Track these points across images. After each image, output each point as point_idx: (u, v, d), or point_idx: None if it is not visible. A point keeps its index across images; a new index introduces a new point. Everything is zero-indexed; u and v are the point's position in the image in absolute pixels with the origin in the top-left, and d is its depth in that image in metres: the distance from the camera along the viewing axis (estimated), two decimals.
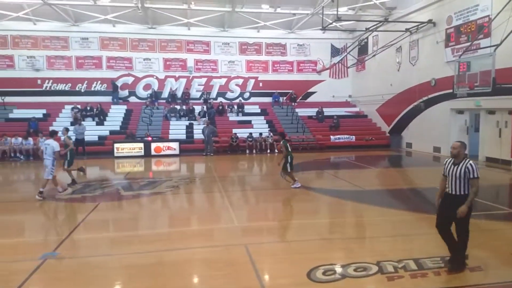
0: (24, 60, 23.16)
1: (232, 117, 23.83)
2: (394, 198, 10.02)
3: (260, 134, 20.67)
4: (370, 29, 20.90)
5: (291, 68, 26.58)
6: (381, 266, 5.06)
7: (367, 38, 23.28)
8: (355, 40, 24.50)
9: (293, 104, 25.58)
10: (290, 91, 25.91)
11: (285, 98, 25.87)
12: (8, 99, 22.06)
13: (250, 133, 20.60)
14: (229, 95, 25.87)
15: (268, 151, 20.10)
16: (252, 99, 25.96)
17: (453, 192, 4.88)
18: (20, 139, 18.01)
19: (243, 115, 23.97)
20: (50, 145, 9.58)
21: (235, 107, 24.38)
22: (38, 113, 21.48)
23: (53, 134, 10.22)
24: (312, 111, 24.56)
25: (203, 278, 5.08)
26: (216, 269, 5.18)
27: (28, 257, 5.54)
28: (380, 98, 22.80)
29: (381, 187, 11.83)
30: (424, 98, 18.94)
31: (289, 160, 10.51)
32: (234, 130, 21.22)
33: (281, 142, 10.84)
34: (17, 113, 21.63)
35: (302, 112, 24.69)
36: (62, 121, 21.14)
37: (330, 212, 8.73)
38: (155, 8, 21.19)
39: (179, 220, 8.02)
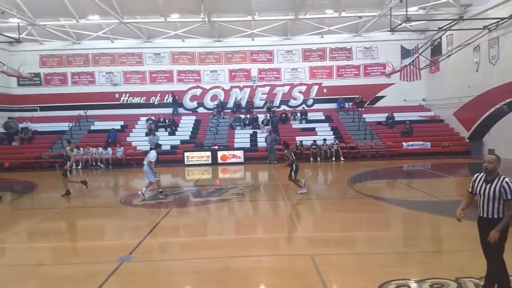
0: (104, 76, 25.35)
1: (296, 125, 23.69)
2: (475, 209, 9.11)
3: (324, 140, 20.24)
4: (444, 28, 19.51)
5: (358, 72, 25.79)
6: (461, 283, 4.63)
7: (440, 37, 21.78)
8: (427, 40, 23.05)
9: (360, 109, 24.72)
10: (357, 96, 25.10)
11: (351, 103, 25.13)
12: (90, 112, 24.20)
13: (314, 141, 20.26)
14: (292, 102, 25.80)
15: (333, 158, 19.57)
16: (316, 106, 25.59)
17: (485, 215, 4.13)
18: (100, 149, 19.64)
19: (306, 122, 23.70)
20: (148, 154, 10.77)
21: (298, 114, 24.22)
22: (117, 124, 23.27)
23: (157, 147, 11.38)
24: (381, 117, 23.52)
25: (269, 287, 5.02)
26: (282, 279, 5.09)
27: (106, 259, 5.93)
28: (458, 101, 21.09)
29: (460, 198, 10.82)
30: (508, 100, 17.17)
31: (294, 168, 10.78)
32: (298, 138, 21.03)
33: (286, 151, 11.38)
34: (98, 125, 23.65)
35: (370, 117, 23.75)
36: (138, 132, 22.76)
37: (403, 224, 8.20)
38: (221, 21, 21.95)
39: (245, 227, 8.08)
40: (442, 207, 9.17)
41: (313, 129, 22.73)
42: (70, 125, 22.91)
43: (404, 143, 20.71)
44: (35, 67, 24.50)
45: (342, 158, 19.44)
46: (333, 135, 21.68)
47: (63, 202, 11.11)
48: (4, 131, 22.05)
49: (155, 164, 10.71)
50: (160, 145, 12.11)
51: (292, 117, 24.15)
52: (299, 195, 10.58)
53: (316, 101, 25.73)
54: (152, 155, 10.63)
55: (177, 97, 25.01)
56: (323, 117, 24.32)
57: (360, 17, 21.90)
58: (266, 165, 18.64)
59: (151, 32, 23.97)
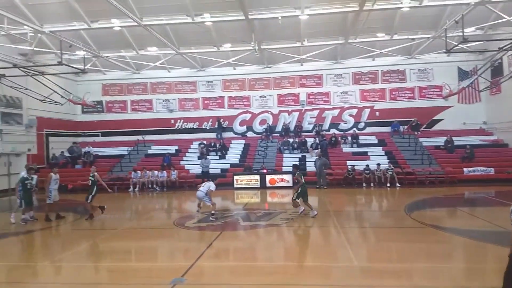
0: (160, 103, 26.78)
1: (346, 149, 23.18)
2: None
3: (378, 165, 19.50)
4: (504, 48, 18.35)
5: (412, 95, 24.92)
6: None
7: (501, 58, 20.48)
8: (487, 61, 21.73)
9: (416, 133, 23.69)
10: (412, 119, 24.14)
11: (406, 127, 24.19)
12: (147, 137, 25.54)
13: (367, 165, 19.61)
14: (342, 126, 25.38)
15: (388, 184, 18.74)
16: (368, 129, 24.96)
17: None
18: (156, 172, 20.50)
19: (358, 146, 23.12)
20: (207, 184, 11.51)
21: (349, 138, 23.73)
22: (171, 149, 24.28)
23: (214, 179, 12.53)
24: (439, 141, 22.32)
25: None
26: None
27: (160, 281, 6.07)
28: None
29: None
30: None
31: (299, 190, 11.44)
32: (349, 162, 20.51)
33: (296, 174, 11.99)
34: (154, 149, 24.80)
35: (427, 141, 22.63)
36: (191, 156, 23.53)
37: (466, 256, 7.58)
38: (271, 48, 22.47)
39: (295, 254, 7.91)
40: (509, 238, 8.36)
41: (365, 153, 22.10)
42: (129, 149, 24.31)
43: (465, 169, 19.38)
44: (97, 95, 26.52)
45: (397, 184, 18.55)
46: (387, 159, 20.85)
47: (121, 223, 11.65)
48: (68, 155, 23.84)
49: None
50: (217, 177, 13.45)
51: (343, 140, 23.70)
52: (352, 222, 10.20)
53: (368, 124, 25.13)
54: (213, 186, 11.51)
55: (222, 122, 25.72)
56: (376, 141, 23.61)
57: (413, 39, 21.35)
58: (315, 189, 18.29)
59: (205, 61, 25.07)
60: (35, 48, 18.94)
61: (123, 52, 23.07)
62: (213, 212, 11.28)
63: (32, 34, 17.50)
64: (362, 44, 22.08)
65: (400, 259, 7.53)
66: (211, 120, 26.09)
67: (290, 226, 10.39)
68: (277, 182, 19.33)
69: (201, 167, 20.27)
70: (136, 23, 16.84)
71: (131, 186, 20.02)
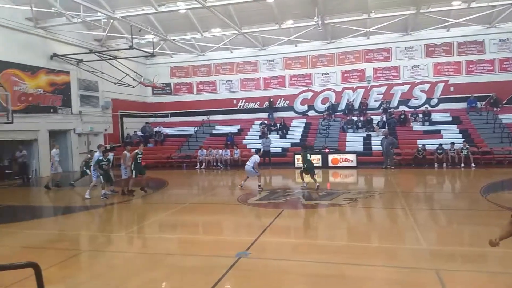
0: (224, 84, 27.31)
1: (417, 127, 21.86)
2: None
3: (452, 144, 18.16)
4: None
5: (491, 68, 22.60)
6: None
7: None
8: None
9: (495, 109, 21.59)
10: (491, 94, 21.99)
11: (484, 102, 22.11)
12: (212, 117, 26.39)
13: (440, 144, 18.36)
14: (413, 102, 23.89)
15: (463, 165, 17.43)
16: (441, 106, 23.22)
17: None
18: (220, 151, 21.18)
19: (430, 124, 21.67)
20: (252, 158, 12.87)
21: (420, 115, 22.30)
22: (234, 128, 24.84)
23: (258, 152, 13.54)
24: None
25: None
26: None
27: (225, 253, 6.33)
28: None
29: None
30: None
31: (303, 167, 12.88)
32: (419, 141, 19.37)
33: (301, 153, 13.33)
34: (218, 129, 25.56)
35: (508, 118, 20.55)
36: (252, 135, 23.89)
37: None
38: (335, 23, 21.59)
39: (359, 235, 7.75)
40: None
41: (437, 131, 20.68)
42: (195, 129, 25.34)
43: None
44: (166, 78, 27.76)
45: (473, 165, 17.19)
46: (462, 138, 19.30)
47: (189, 198, 12.31)
48: (141, 134, 25.51)
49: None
50: (260, 150, 14.40)
51: (413, 118, 22.36)
52: (421, 204, 9.69)
53: (441, 100, 23.37)
54: (257, 158, 12.83)
55: (273, 102, 25.67)
56: (450, 118, 21.95)
57: (494, 6, 19.16)
58: (382, 170, 17.62)
59: (266, 40, 24.91)
60: (108, 34, 20.21)
61: (189, 35, 23.73)
62: (259, 183, 12.57)
63: (105, 20, 18.65)
64: (436, 13, 20.30)
65: (473, 243, 7.00)
66: (271, 99, 26.06)
67: (353, 207, 10.17)
68: (340, 162, 18.91)
69: (262, 147, 20.49)
70: (200, 5, 17.14)
71: (198, 164, 20.96)
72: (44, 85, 19.31)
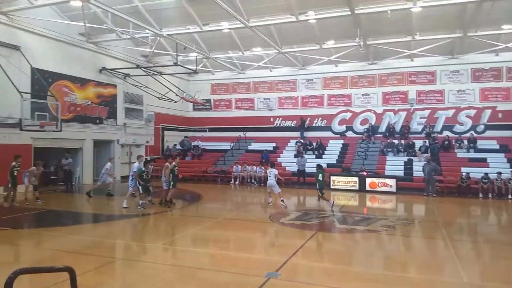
0: (261, 101, 27.60)
1: (461, 154, 20.84)
2: None
3: (499, 174, 17.13)
4: None
5: None
6: None
7: None
8: None
9: None
10: None
11: None
12: (248, 134, 26.62)
13: (486, 173, 17.37)
14: (458, 128, 22.88)
15: (510, 196, 16.36)
16: (488, 133, 22.04)
17: None
18: (255, 167, 21.22)
19: (475, 152, 20.60)
20: (272, 172, 13.52)
21: (465, 142, 21.27)
22: (269, 146, 24.87)
23: (272, 166, 14.27)
24: None
25: None
26: None
27: (254, 272, 6.26)
28: None
29: None
30: None
31: (318, 186, 13.57)
32: (464, 169, 18.42)
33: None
34: (254, 146, 25.69)
35: None
36: (287, 153, 23.78)
37: None
38: (377, 44, 21.33)
39: (396, 264, 7.41)
40: None
41: (483, 159, 19.62)
42: (232, 144, 25.65)
43: None
44: (206, 94, 28.48)
45: None
46: (510, 168, 18.17)
47: (223, 213, 12.39)
48: (180, 147, 26.16)
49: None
50: (274, 164, 15.31)
51: (457, 144, 21.37)
52: (464, 235, 9.14)
53: (488, 127, 22.23)
54: (275, 171, 13.59)
55: (305, 121, 25.49)
56: (497, 146, 20.76)
57: None
58: (423, 197, 16.86)
59: (306, 59, 25.01)
60: (154, 50, 21.14)
61: (230, 53, 24.32)
62: (282, 199, 13.00)
63: (153, 37, 19.56)
64: (484, 37, 19.55)
65: None
66: (309, 118, 25.92)
67: (391, 234, 9.76)
68: (379, 186, 18.30)
69: (297, 166, 20.33)
70: (243, 25, 17.58)
71: (232, 179, 21.11)
72: (92, 97, 20.41)
